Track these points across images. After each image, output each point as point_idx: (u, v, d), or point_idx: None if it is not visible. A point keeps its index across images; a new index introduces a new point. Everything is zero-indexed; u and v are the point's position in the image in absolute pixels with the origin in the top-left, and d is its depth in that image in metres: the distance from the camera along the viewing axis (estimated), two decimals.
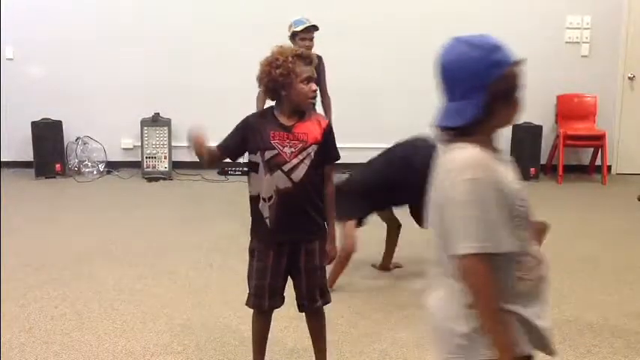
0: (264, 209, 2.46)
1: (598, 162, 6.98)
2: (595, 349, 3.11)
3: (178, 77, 6.89)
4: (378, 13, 6.92)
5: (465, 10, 6.97)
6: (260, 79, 2.45)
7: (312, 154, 2.43)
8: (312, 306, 2.62)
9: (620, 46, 7.08)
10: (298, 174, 2.42)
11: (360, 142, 6.94)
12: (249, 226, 2.59)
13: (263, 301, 2.57)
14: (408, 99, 7.07)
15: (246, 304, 2.63)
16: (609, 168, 7.03)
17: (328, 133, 2.49)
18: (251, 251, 2.58)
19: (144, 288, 3.77)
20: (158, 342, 3.10)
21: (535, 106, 7.04)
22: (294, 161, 2.42)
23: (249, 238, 2.59)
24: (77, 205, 5.68)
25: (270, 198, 2.43)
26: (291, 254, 2.52)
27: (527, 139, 6.90)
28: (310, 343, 2.77)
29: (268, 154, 2.41)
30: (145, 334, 3.18)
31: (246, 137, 2.47)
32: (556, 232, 4.91)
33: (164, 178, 6.70)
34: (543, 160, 7.05)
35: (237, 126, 2.53)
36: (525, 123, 6.95)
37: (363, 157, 6.85)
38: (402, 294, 3.74)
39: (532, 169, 6.86)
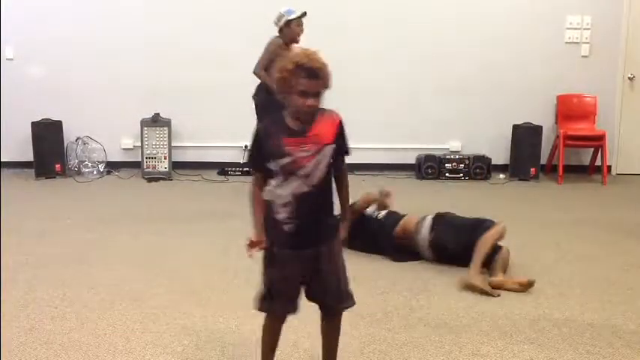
0: (282, 215, 2.41)
1: (598, 162, 6.98)
2: (595, 349, 3.10)
3: (178, 77, 6.90)
4: (378, 14, 6.93)
5: (465, 10, 6.98)
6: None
7: (328, 155, 2.39)
8: (341, 305, 2.59)
9: (620, 47, 7.09)
10: (314, 178, 2.37)
11: (360, 142, 6.95)
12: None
13: (287, 306, 2.52)
14: (407, 99, 7.08)
15: (270, 312, 2.55)
16: (609, 168, 7.04)
17: (341, 128, 2.44)
18: (270, 257, 2.48)
19: (144, 288, 3.77)
20: (158, 342, 3.10)
21: (535, 106, 7.08)
22: (310, 165, 2.36)
23: (266, 244, 2.47)
24: (77, 205, 5.68)
25: (287, 204, 2.39)
26: (312, 258, 2.47)
27: (527, 139, 6.91)
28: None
29: (283, 161, 2.35)
30: (144, 334, 3.18)
31: (262, 146, 2.38)
32: (556, 231, 4.90)
33: (164, 178, 6.70)
34: (543, 160, 7.06)
35: (252, 143, 2.42)
36: (525, 123, 6.96)
37: (368, 158, 6.91)
38: (402, 294, 3.74)
39: (532, 169, 6.87)
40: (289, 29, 5.09)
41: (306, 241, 2.44)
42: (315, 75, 2.30)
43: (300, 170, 2.35)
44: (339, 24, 6.74)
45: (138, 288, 3.77)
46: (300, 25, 5.12)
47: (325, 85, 2.34)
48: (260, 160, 2.39)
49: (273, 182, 2.40)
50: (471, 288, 3.75)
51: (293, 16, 5.08)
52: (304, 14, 5.12)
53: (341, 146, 2.44)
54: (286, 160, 2.34)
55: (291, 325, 2.60)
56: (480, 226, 4.13)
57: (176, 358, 2.97)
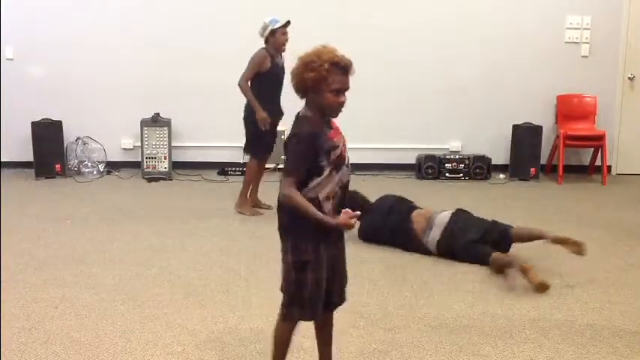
0: (327, 208, 2.40)
1: (598, 162, 6.98)
2: (595, 349, 3.11)
3: (178, 77, 6.89)
4: (379, 14, 6.92)
5: (465, 10, 6.98)
6: (292, 76, 2.40)
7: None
8: (342, 302, 2.62)
9: (620, 47, 7.08)
10: (349, 165, 2.48)
11: (360, 142, 6.97)
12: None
13: (318, 311, 2.51)
14: (407, 99, 7.08)
15: (300, 319, 2.52)
16: (609, 168, 7.04)
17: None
18: (303, 264, 2.41)
19: (144, 288, 3.77)
20: (158, 342, 3.10)
21: (535, 106, 7.07)
22: (346, 154, 2.45)
23: (297, 251, 2.42)
24: (77, 205, 5.68)
25: (335, 195, 2.40)
26: (332, 257, 2.49)
27: (527, 139, 6.91)
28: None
29: (334, 154, 2.38)
30: (144, 334, 3.18)
31: (312, 152, 2.34)
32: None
33: (164, 178, 6.70)
34: (543, 160, 7.06)
35: (302, 148, 2.35)
36: (525, 123, 6.96)
37: (368, 158, 6.91)
38: (402, 294, 3.74)
39: (532, 169, 6.87)
40: (274, 38, 5.15)
41: (339, 232, 2.49)
42: (347, 72, 2.36)
43: (344, 159, 2.43)
44: (339, 24, 6.74)
45: (138, 288, 3.77)
46: (285, 33, 5.18)
47: None
48: (307, 162, 2.34)
49: (317, 179, 2.37)
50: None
51: (278, 25, 5.13)
52: (288, 23, 5.18)
53: None
54: (338, 151, 2.39)
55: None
56: (497, 224, 4.37)
57: (176, 358, 2.97)
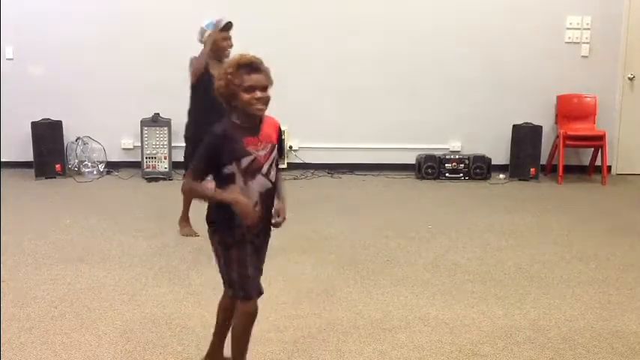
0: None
1: (598, 162, 6.98)
2: (595, 349, 3.11)
3: (178, 77, 6.88)
4: (379, 14, 6.93)
5: (465, 10, 6.98)
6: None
7: (275, 153, 2.53)
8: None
9: (620, 47, 7.08)
10: (273, 173, 2.52)
11: (360, 142, 6.98)
12: None
13: None
14: (407, 99, 7.08)
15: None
16: (609, 168, 7.04)
17: (280, 133, 2.60)
18: (229, 244, 2.65)
19: (144, 288, 3.77)
20: (158, 342, 3.10)
21: (535, 106, 7.07)
22: (268, 162, 2.50)
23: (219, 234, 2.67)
24: (77, 205, 5.68)
25: (255, 204, 2.46)
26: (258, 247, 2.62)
27: (527, 139, 6.91)
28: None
29: (245, 162, 2.44)
30: (144, 334, 3.18)
31: (218, 152, 2.44)
32: (556, 232, 4.91)
33: (164, 179, 6.70)
34: (543, 160, 7.06)
35: (205, 145, 2.48)
36: (525, 123, 6.96)
37: (368, 158, 6.91)
38: (402, 294, 3.74)
39: (532, 169, 6.87)
40: (216, 45, 4.61)
41: (260, 231, 2.58)
42: (259, 69, 2.42)
43: (262, 169, 2.48)
44: (339, 25, 6.73)
45: (138, 288, 3.77)
46: (227, 39, 4.57)
47: (269, 78, 2.45)
48: (209, 168, 2.49)
49: (235, 187, 2.46)
50: None
51: (212, 29, 4.60)
52: (229, 25, 4.54)
53: (280, 146, 2.61)
54: (248, 159, 2.44)
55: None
56: None
57: (176, 358, 2.97)
